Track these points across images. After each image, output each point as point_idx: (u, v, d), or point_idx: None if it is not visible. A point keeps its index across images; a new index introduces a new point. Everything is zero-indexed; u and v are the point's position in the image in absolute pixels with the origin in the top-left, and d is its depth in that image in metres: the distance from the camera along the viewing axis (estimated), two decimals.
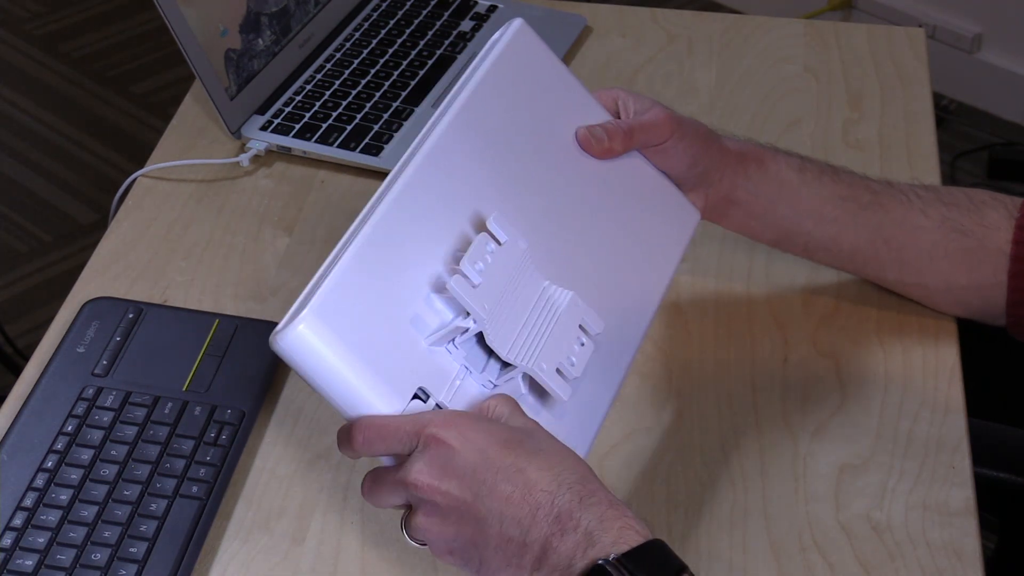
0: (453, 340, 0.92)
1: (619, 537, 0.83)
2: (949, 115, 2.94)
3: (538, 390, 0.95)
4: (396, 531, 1.04)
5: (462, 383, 0.92)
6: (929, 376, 1.17)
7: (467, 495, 0.86)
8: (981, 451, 1.13)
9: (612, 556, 0.82)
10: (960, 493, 1.07)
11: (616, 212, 1.05)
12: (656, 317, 1.04)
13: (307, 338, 0.86)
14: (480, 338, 0.92)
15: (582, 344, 0.96)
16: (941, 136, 1.51)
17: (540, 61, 1.05)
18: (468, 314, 0.91)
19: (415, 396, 0.90)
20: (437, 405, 0.90)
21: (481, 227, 0.94)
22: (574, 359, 0.95)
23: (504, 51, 1.02)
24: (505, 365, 0.93)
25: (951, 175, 2.80)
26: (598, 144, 1.04)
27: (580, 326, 0.96)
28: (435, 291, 0.92)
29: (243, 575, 1.02)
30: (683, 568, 0.84)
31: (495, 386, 0.93)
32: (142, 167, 1.39)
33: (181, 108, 1.48)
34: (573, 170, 1.04)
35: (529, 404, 0.94)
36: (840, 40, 1.57)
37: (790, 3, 3.07)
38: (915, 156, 1.41)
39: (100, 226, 2.60)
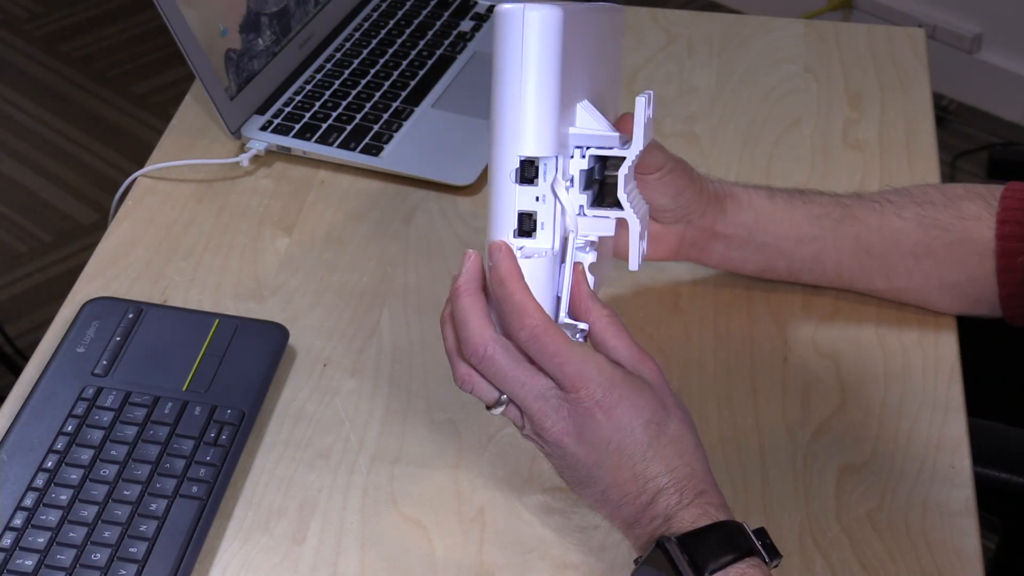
0: (583, 148, 0.93)
1: (695, 521, 0.89)
2: (949, 115, 2.94)
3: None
4: (395, 532, 1.05)
5: (569, 187, 0.93)
6: (929, 376, 1.17)
7: (590, 461, 0.92)
8: (981, 451, 1.13)
9: (674, 536, 0.89)
10: (960, 493, 1.07)
11: None
12: (656, 315, 1.03)
13: (540, 24, 0.86)
14: (591, 172, 0.95)
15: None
16: (941, 136, 1.51)
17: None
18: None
19: (528, 164, 0.90)
20: (554, 195, 0.91)
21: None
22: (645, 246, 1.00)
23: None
24: (603, 205, 0.95)
25: (951, 175, 2.80)
26: None
27: None
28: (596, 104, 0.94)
29: (243, 575, 1.02)
30: (751, 551, 0.89)
31: (582, 213, 0.94)
32: (142, 167, 1.39)
33: (181, 108, 1.48)
34: None
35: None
36: (840, 40, 1.57)
37: (790, 3, 3.07)
38: (915, 156, 1.40)
39: (100, 226, 2.60)
